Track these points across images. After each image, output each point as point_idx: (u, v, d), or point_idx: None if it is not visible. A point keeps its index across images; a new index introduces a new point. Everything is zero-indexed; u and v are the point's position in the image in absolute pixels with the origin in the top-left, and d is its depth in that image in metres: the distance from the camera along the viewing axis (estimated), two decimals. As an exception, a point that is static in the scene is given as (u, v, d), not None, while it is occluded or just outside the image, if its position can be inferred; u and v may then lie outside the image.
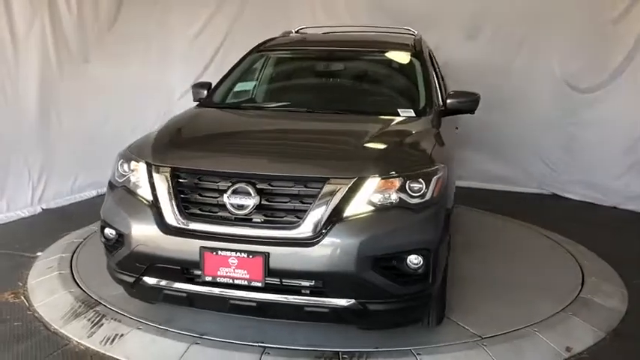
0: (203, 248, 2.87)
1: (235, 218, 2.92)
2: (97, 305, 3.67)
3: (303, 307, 2.89)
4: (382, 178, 2.91)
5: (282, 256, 2.81)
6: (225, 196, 2.92)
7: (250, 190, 2.89)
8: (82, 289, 3.90)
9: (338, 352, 3.20)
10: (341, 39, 4.92)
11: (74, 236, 4.93)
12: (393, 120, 3.70)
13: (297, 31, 5.27)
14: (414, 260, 2.85)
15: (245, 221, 2.91)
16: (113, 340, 3.32)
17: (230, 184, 2.94)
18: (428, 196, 2.95)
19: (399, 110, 3.80)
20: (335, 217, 2.82)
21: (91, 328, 3.45)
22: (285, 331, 3.31)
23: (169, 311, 3.47)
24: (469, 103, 3.88)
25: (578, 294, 4.06)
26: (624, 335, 3.62)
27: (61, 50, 5.97)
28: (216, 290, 2.95)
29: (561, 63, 6.87)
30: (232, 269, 2.85)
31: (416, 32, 5.07)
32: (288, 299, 2.90)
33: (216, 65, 7.12)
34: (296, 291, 2.90)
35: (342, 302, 2.86)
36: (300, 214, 2.86)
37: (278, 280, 2.87)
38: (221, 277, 2.88)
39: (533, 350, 3.36)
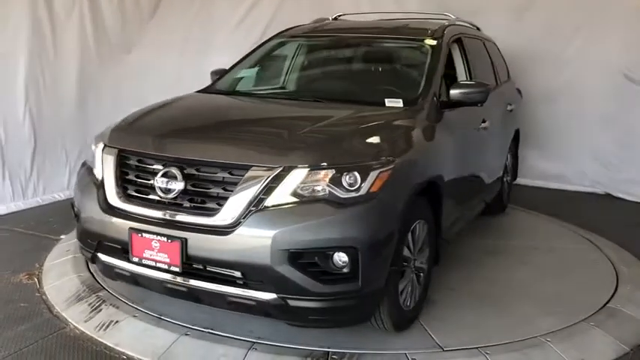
0: (131, 229, 2.92)
1: (161, 202, 2.92)
2: (100, 290, 3.68)
3: (228, 297, 2.81)
4: (311, 169, 2.75)
5: (200, 243, 2.77)
6: (155, 179, 2.92)
7: (177, 174, 2.87)
8: (91, 273, 3.92)
9: (328, 351, 3.06)
10: (356, 26, 4.70)
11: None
12: (367, 109, 3.52)
13: (334, 19, 5.12)
14: (336, 258, 2.69)
15: (171, 205, 2.90)
16: (107, 326, 3.31)
17: (161, 167, 2.93)
18: (363, 191, 2.75)
19: (386, 100, 3.55)
20: (254, 207, 2.72)
21: (90, 312, 3.45)
22: (275, 327, 3.18)
23: (169, 300, 3.41)
24: (475, 94, 3.62)
25: (606, 303, 3.74)
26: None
27: (100, 39, 6.12)
28: (149, 272, 2.93)
29: (619, 53, 6.38)
30: (155, 252, 2.86)
31: (453, 17, 4.82)
32: (211, 287, 2.82)
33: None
34: (221, 280, 2.81)
35: (265, 296, 2.74)
36: (221, 202, 2.78)
37: (201, 266, 2.82)
38: (146, 259, 2.90)
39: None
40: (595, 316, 3.57)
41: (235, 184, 2.77)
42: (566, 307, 3.64)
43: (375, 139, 3.08)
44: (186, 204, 2.87)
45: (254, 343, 3.10)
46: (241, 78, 4.40)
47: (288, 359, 3.00)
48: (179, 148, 3.03)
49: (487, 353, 3.09)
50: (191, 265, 2.82)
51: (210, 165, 2.87)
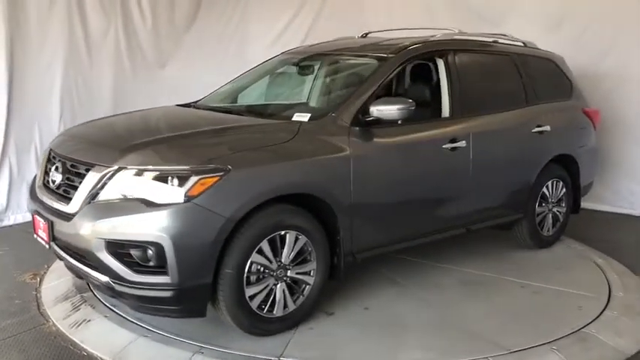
0: (33, 211, 3.55)
1: (51, 190, 3.48)
2: (86, 292, 3.95)
3: (85, 275, 3.28)
4: (137, 170, 3.08)
5: (58, 226, 3.28)
6: (51, 172, 3.51)
7: (61, 168, 3.44)
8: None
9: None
10: (327, 48, 4.72)
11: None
12: (260, 122, 3.81)
13: (362, 36, 5.15)
14: (144, 252, 2.99)
15: (53, 193, 3.44)
16: (80, 324, 3.56)
17: (57, 163, 3.50)
18: (179, 194, 2.99)
19: (295, 114, 3.67)
20: (91, 199, 3.13)
21: (70, 311, 3.73)
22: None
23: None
24: (394, 112, 3.60)
25: (582, 327, 3.59)
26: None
27: (134, 55, 6.49)
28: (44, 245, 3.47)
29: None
30: (41, 231, 3.46)
31: (455, 31, 4.72)
32: (76, 264, 3.29)
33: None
34: (78, 259, 3.26)
35: (101, 277, 3.12)
36: (75, 193, 3.24)
37: (64, 245, 3.33)
38: (38, 235, 3.54)
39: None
40: (562, 340, 3.45)
41: (83, 178, 3.24)
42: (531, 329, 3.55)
43: (213, 148, 3.29)
44: (60, 193, 3.39)
45: (201, 347, 3.25)
46: (221, 93, 4.73)
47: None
48: (67, 148, 3.58)
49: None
50: (57, 244, 3.36)
51: (76, 162, 3.36)
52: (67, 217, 3.20)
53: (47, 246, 3.43)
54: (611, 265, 4.72)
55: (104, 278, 3.09)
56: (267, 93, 4.58)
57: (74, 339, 3.43)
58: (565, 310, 3.88)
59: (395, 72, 4.06)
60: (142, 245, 3.00)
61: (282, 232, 3.30)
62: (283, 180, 3.32)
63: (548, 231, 5.05)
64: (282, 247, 3.32)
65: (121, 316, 3.61)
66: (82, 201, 3.15)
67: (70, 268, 3.49)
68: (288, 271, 3.37)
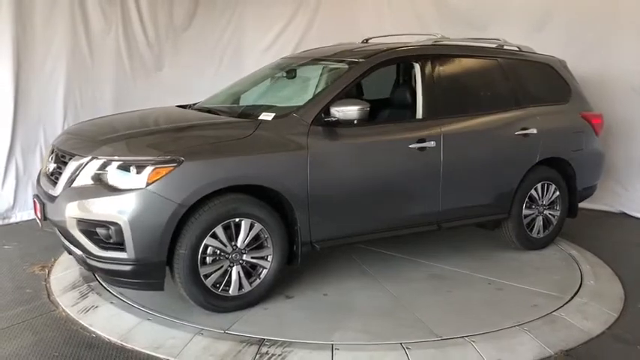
0: (34, 195, 4.06)
1: (47, 176, 3.96)
2: (93, 281, 4.22)
3: (71, 251, 3.77)
4: (106, 160, 3.54)
5: (48, 207, 3.77)
6: (49, 162, 4.02)
7: (54, 158, 3.94)
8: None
9: (263, 339, 3.46)
10: (319, 53, 5.00)
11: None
12: (230, 120, 4.17)
13: (363, 42, 5.43)
14: (107, 230, 3.46)
15: (49, 179, 3.93)
16: (88, 310, 3.84)
17: (53, 154, 4.02)
18: (138, 181, 3.44)
19: (262, 114, 4.04)
20: (69, 184, 3.63)
21: (79, 299, 4.00)
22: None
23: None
24: (351, 113, 3.89)
25: (553, 311, 3.89)
26: (573, 357, 3.44)
27: (135, 58, 6.75)
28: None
29: (636, 69, 6.35)
30: (38, 212, 3.92)
31: (438, 36, 4.98)
32: (64, 241, 3.83)
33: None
34: (65, 236, 3.75)
35: (78, 252, 3.64)
36: (59, 179, 3.75)
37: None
38: (36, 216, 3.99)
39: (459, 359, 3.34)
40: (535, 322, 3.75)
41: (65, 166, 3.73)
42: (504, 312, 3.84)
43: (174, 142, 3.69)
44: (52, 179, 3.87)
45: (202, 329, 3.54)
46: (219, 95, 5.06)
47: (227, 344, 3.41)
48: (61, 142, 4.08)
49: (408, 348, 3.36)
50: (47, 223, 3.87)
51: (64, 152, 3.86)
52: (53, 199, 3.70)
53: (40, 224, 4.00)
54: (584, 255, 5.04)
55: (79, 253, 3.62)
56: (257, 96, 4.85)
57: (83, 323, 3.71)
58: (517, 306, 3.98)
59: (362, 76, 4.34)
60: (104, 224, 3.46)
61: (237, 219, 3.68)
62: (234, 172, 3.67)
63: (538, 233, 5.08)
64: (239, 233, 3.70)
65: (126, 302, 3.89)
66: (63, 185, 3.65)
67: (64, 246, 3.95)
68: (244, 255, 3.75)
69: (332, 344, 3.40)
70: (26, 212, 5.87)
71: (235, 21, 7.63)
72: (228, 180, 3.63)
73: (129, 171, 3.47)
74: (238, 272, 3.74)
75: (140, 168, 3.45)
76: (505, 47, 5.20)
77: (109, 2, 6.46)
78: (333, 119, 3.95)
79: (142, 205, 3.41)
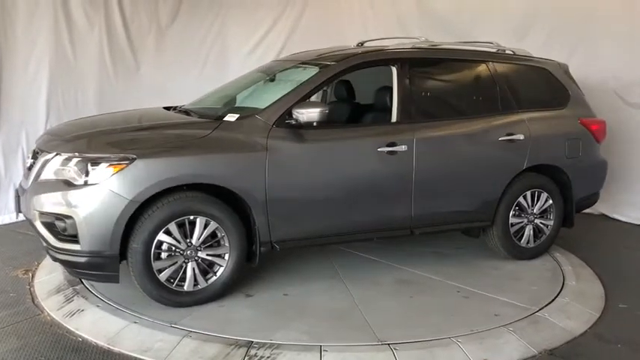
0: (16, 189, 4.32)
1: (26, 171, 4.19)
2: (78, 284, 4.19)
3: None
4: (67, 157, 3.72)
5: (22, 200, 4.01)
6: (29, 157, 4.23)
7: (32, 154, 4.12)
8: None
9: (251, 341, 3.46)
10: (306, 56, 4.96)
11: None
12: (193, 121, 4.28)
13: (358, 45, 5.32)
14: (62, 223, 3.64)
15: (26, 175, 4.09)
16: (74, 314, 3.81)
17: (32, 151, 4.20)
18: (92, 177, 3.60)
19: (227, 115, 4.09)
20: (36, 178, 3.82)
21: (64, 302, 3.97)
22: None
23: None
24: (312, 115, 3.92)
25: (537, 312, 3.95)
26: (557, 356, 3.50)
27: (117, 60, 6.72)
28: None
29: (617, 73, 6.44)
30: (15, 204, 4.18)
31: (421, 40, 4.92)
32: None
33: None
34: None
35: (43, 243, 3.85)
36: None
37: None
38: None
39: (445, 359, 3.38)
40: (519, 322, 3.80)
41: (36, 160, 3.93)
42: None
43: (131, 141, 3.84)
44: (29, 173, 4.00)
45: (190, 332, 3.53)
46: (205, 98, 5.08)
47: (216, 346, 3.41)
48: (39, 139, 4.30)
49: (395, 349, 3.40)
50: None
51: (38, 149, 4.03)
52: (24, 192, 3.93)
53: (16, 216, 4.40)
54: (566, 256, 5.10)
55: (44, 244, 3.81)
56: (243, 98, 4.83)
57: (69, 327, 3.68)
58: (476, 314, 3.89)
59: (332, 79, 4.41)
60: (61, 217, 3.64)
61: (192, 217, 3.76)
62: (187, 170, 3.74)
63: (528, 243, 4.89)
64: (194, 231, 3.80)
65: (112, 305, 3.87)
66: (32, 179, 3.85)
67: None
68: (199, 252, 3.83)
69: (320, 346, 3.42)
70: (7, 216, 5.81)
71: (219, 24, 7.61)
72: (179, 178, 3.70)
73: (87, 167, 3.62)
74: (193, 269, 3.83)
75: (96, 165, 3.61)
76: (498, 51, 5.10)
77: (91, 3, 6.45)
78: (295, 121, 3.98)
79: (96, 200, 3.57)
